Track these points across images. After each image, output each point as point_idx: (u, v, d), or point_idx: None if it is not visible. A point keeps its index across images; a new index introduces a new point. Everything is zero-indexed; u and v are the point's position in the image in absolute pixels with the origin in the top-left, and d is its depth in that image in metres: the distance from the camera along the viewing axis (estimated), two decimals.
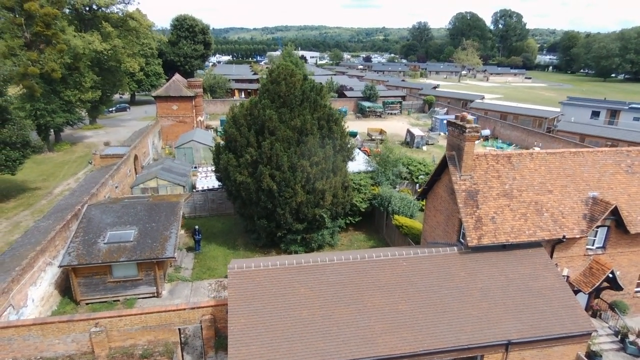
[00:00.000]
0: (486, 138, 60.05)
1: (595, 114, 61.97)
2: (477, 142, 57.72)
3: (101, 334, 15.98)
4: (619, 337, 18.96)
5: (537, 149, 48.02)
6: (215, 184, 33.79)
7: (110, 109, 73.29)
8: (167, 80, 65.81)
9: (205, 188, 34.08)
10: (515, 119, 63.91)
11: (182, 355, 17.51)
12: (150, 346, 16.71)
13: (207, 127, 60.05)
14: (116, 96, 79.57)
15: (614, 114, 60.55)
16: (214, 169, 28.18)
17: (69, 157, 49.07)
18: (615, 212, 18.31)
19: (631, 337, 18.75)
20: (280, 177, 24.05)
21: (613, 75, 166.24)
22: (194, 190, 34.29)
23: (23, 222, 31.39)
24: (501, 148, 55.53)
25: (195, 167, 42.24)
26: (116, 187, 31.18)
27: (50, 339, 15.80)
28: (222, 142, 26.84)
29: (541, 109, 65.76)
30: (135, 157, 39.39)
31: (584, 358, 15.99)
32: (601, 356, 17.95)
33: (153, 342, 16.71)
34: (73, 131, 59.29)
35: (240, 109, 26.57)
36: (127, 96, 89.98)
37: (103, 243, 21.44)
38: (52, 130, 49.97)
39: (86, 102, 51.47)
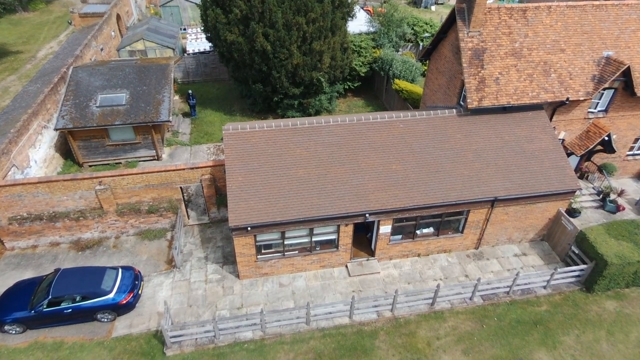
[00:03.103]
0: None
1: None
2: (491, 0, 52.60)
3: (106, 192, 16.70)
4: (601, 196, 19.90)
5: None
6: (207, 46, 31.77)
7: None
8: None
9: (197, 51, 32.12)
10: None
11: (187, 211, 18.63)
12: (155, 203, 17.63)
13: None
14: None
15: None
16: (203, 29, 26.06)
17: (47, 17, 45.25)
18: (627, 73, 17.41)
19: (612, 196, 19.70)
20: (275, 37, 22.32)
21: None
22: (185, 54, 32.40)
23: (11, 87, 30.42)
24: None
25: (184, 29, 39.28)
26: (101, 49, 29.32)
27: (58, 196, 16.57)
28: None
29: None
30: (118, 17, 36.22)
31: (564, 213, 17.02)
32: (580, 212, 19.08)
33: (157, 199, 17.58)
34: None
35: None
36: None
37: (95, 106, 20.99)
38: None
39: None
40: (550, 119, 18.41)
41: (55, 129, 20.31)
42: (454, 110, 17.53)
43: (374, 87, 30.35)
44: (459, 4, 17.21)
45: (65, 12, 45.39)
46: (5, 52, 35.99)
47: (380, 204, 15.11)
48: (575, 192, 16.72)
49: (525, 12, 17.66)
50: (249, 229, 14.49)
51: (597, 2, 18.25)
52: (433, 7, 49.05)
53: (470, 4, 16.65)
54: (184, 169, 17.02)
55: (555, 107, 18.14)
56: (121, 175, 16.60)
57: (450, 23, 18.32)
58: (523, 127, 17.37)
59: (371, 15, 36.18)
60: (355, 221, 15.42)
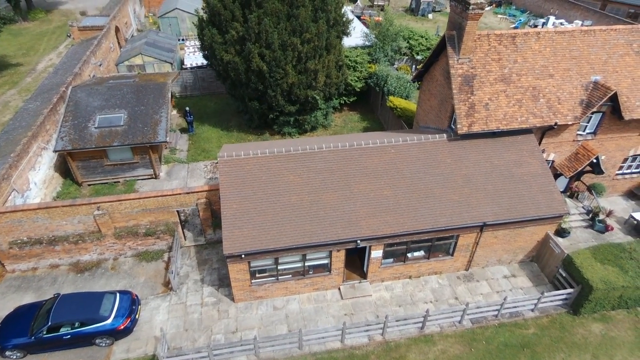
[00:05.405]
0: (499, 4, 54.83)
1: None
2: (488, 8, 52.94)
3: (104, 216, 17.08)
4: (590, 215, 20.26)
5: (552, 18, 44.25)
6: (205, 60, 32.05)
7: None
8: None
9: (194, 65, 32.48)
10: None
11: (183, 233, 19.02)
12: (152, 226, 18.01)
13: None
14: None
15: None
16: (200, 47, 26.40)
17: (46, 27, 45.61)
18: (614, 99, 17.74)
19: (601, 216, 20.05)
20: (270, 57, 22.67)
21: None
22: (182, 67, 32.76)
23: (11, 101, 30.81)
24: (513, 16, 51.11)
25: (182, 40, 39.62)
26: (100, 64, 29.67)
27: (57, 221, 16.96)
28: (205, 16, 24.56)
29: None
30: (117, 29, 36.59)
31: (552, 236, 17.39)
32: (569, 232, 19.46)
33: (154, 222, 17.95)
34: None
35: None
36: None
37: (94, 127, 21.36)
38: None
39: None
40: (540, 142, 18.77)
41: (55, 151, 20.71)
42: (445, 134, 17.88)
43: (370, 101, 30.69)
44: (449, 32, 17.55)
45: (65, 22, 45.74)
46: (5, 65, 36.35)
47: (371, 231, 15.49)
48: (562, 216, 17.08)
49: (514, 39, 18.00)
50: (242, 256, 14.88)
51: (586, 28, 18.59)
52: (430, 16, 49.33)
53: (460, 31, 16.98)
54: (180, 194, 17.39)
55: (544, 131, 18.49)
56: (119, 200, 16.98)
57: (441, 48, 18.65)
58: (512, 151, 17.72)
59: (367, 26, 36.49)
60: (347, 247, 15.80)
